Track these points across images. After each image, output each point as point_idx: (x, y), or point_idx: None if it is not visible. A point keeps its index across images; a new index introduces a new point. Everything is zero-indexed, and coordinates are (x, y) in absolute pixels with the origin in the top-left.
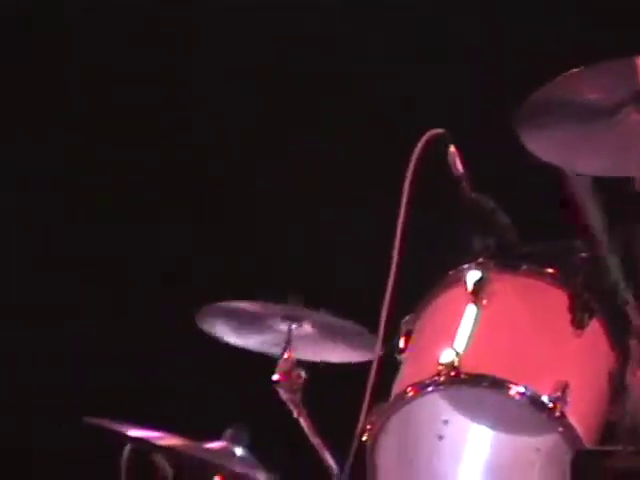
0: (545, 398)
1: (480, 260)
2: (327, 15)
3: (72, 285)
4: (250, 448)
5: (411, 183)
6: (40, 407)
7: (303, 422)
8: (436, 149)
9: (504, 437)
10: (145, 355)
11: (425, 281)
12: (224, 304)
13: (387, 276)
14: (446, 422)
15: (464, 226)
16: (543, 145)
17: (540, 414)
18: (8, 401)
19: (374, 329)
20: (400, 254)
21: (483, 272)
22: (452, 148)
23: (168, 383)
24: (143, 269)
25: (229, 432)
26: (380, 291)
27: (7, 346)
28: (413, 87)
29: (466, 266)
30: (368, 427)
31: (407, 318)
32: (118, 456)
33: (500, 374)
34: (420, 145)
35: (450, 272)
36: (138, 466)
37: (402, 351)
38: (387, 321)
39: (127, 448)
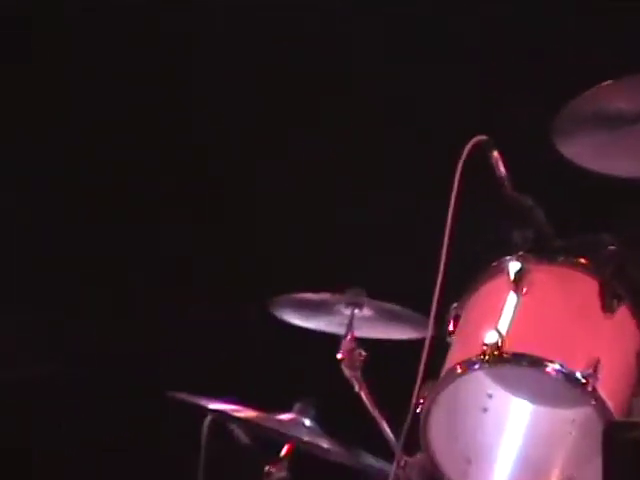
0: (578, 374)
1: (520, 253)
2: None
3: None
4: (317, 420)
5: (459, 183)
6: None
7: (364, 396)
8: (481, 153)
9: (542, 410)
10: (227, 339)
11: (471, 272)
12: (295, 295)
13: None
14: (490, 396)
15: (505, 222)
16: (577, 151)
17: (574, 389)
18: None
19: (425, 313)
20: (448, 249)
21: (523, 263)
22: (495, 153)
23: (246, 362)
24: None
25: (298, 405)
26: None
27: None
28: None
29: (508, 258)
30: (421, 401)
31: (455, 304)
32: (199, 427)
33: (538, 353)
34: (466, 149)
35: (493, 264)
36: (217, 436)
37: (451, 333)
38: (437, 306)
39: (207, 419)
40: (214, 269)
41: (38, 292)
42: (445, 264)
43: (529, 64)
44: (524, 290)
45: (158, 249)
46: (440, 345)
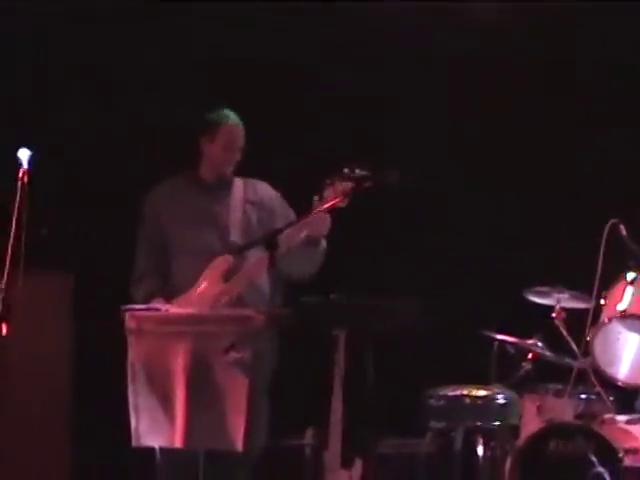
0: None
1: (633, 269)
2: None
3: None
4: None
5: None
6: None
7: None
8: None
9: None
10: None
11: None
12: None
13: None
14: (620, 332)
15: (628, 257)
16: None
17: None
18: None
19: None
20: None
21: (636, 273)
22: (622, 229)
23: None
24: None
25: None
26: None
27: None
28: None
29: (627, 271)
30: (589, 337)
31: (604, 292)
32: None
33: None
34: (606, 230)
35: (621, 274)
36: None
37: (602, 306)
38: (597, 292)
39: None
40: None
41: None
42: (600, 276)
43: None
44: (635, 286)
45: None
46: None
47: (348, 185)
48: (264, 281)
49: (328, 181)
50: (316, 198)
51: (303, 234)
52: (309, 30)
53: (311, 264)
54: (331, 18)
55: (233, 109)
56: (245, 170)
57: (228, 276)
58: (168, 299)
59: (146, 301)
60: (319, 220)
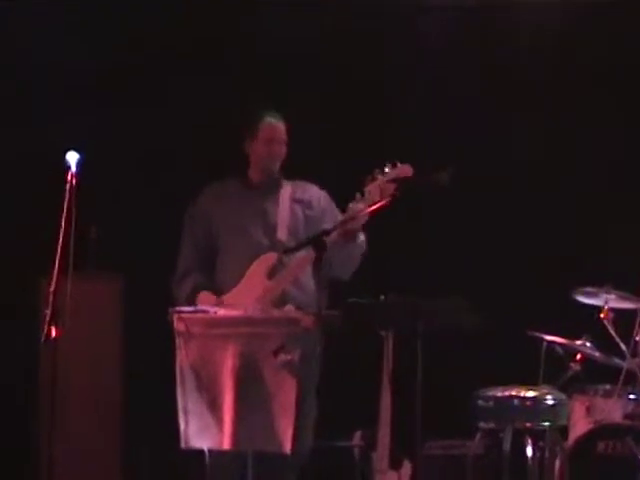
0: None
1: None
2: None
3: None
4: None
5: None
6: None
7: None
8: None
9: None
10: None
11: None
12: None
13: None
14: None
15: None
16: None
17: None
18: None
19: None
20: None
21: None
22: None
23: None
24: None
25: (584, 336)
26: None
27: None
28: None
29: None
30: (638, 337)
31: None
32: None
33: None
34: None
35: None
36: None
37: None
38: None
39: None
40: None
41: None
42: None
43: None
44: None
45: None
46: None
47: (392, 185)
48: (309, 280)
49: (370, 177)
50: (358, 196)
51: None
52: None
53: (350, 261)
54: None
55: (275, 109)
56: (292, 173)
57: (272, 273)
58: (215, 294)
59: (191, 296)
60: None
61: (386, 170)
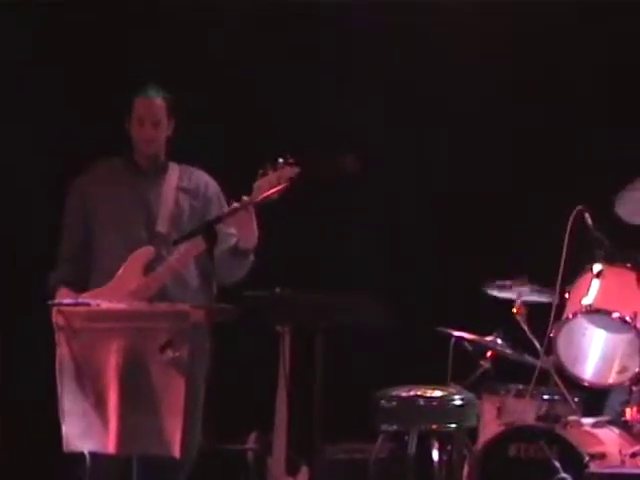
0: (628, 318)
1: (599, 260)
2: None
3: None
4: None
5: (569, 243)
6: None
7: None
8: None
9: (609, 334)
10: None
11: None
12: None
13: None
14: (586, 328)
15: (594, 247)
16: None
17: (626, 326)
18: None
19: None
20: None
21: (603, 265)
22: (588, 216)
23: None
24: None
25: (495, 332)
26: None
27: None
28: None
29: (594, 263)
30: (552, 333)
31: (568, 286)
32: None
33: (608, 308)
34: (571, 218)
35: (586, 265)
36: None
37: (567, 299)
38: (561, 287)
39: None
40: None
41: None
42: (564, 267)
43: None
44: (602, 279)
45: None
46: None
47: (282, 181)
48: (193, 276)
49: (261, 171)
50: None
51: (233, 241)
52: None
53: (239, 272)
54: None
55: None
56: (184, 158)
57: (149, 269)
58: (77, 290)
59: (52, 291)
60: (249, 233)
61: (279, 162)
